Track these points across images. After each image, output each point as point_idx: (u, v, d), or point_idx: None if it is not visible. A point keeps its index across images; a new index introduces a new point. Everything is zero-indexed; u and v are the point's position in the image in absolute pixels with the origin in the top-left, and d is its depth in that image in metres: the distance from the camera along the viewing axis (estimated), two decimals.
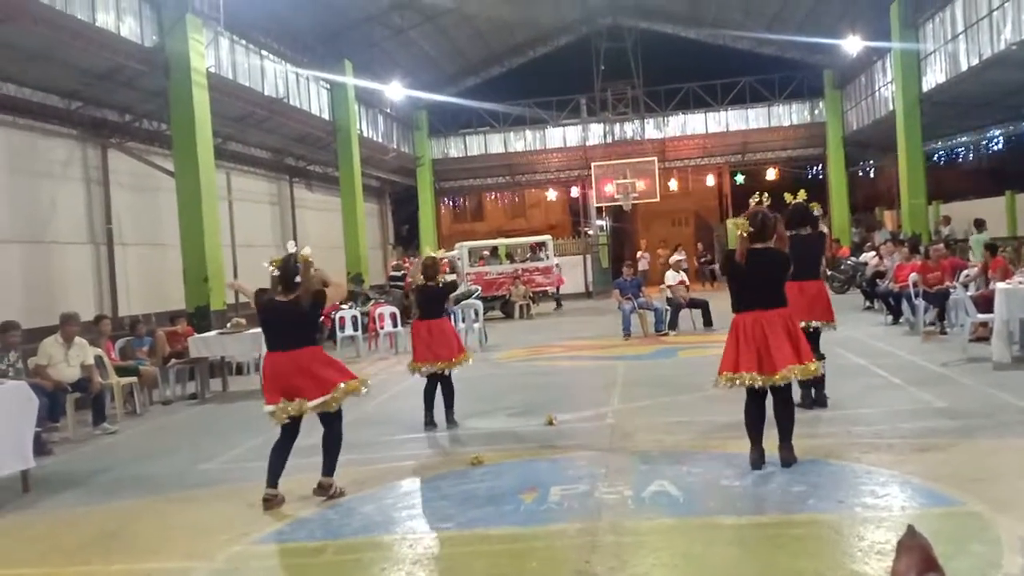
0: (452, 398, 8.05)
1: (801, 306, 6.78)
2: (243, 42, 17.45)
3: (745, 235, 5.62)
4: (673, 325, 14.63)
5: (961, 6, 18.16)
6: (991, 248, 11.96)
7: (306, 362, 5.60)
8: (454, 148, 30.87)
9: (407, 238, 31.24)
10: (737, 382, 5.53)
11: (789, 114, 29.50)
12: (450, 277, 8.76)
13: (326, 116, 21.63)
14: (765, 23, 25.81)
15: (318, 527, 5.15)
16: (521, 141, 30.61)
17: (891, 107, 22.46)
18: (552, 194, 32.60)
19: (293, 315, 5.65)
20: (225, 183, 18.51)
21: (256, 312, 5.99)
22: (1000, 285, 9.32)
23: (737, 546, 4.41)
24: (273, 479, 5.61)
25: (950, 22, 18.85)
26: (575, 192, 31.43)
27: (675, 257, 17.45)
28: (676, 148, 30.01)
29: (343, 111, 21.88)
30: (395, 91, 24.37)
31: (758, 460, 5.55)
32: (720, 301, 15.89)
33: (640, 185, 27.47)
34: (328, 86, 21.69)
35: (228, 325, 11.96)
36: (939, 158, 26.39)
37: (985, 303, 9.96)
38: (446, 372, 7.97)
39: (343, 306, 16.61)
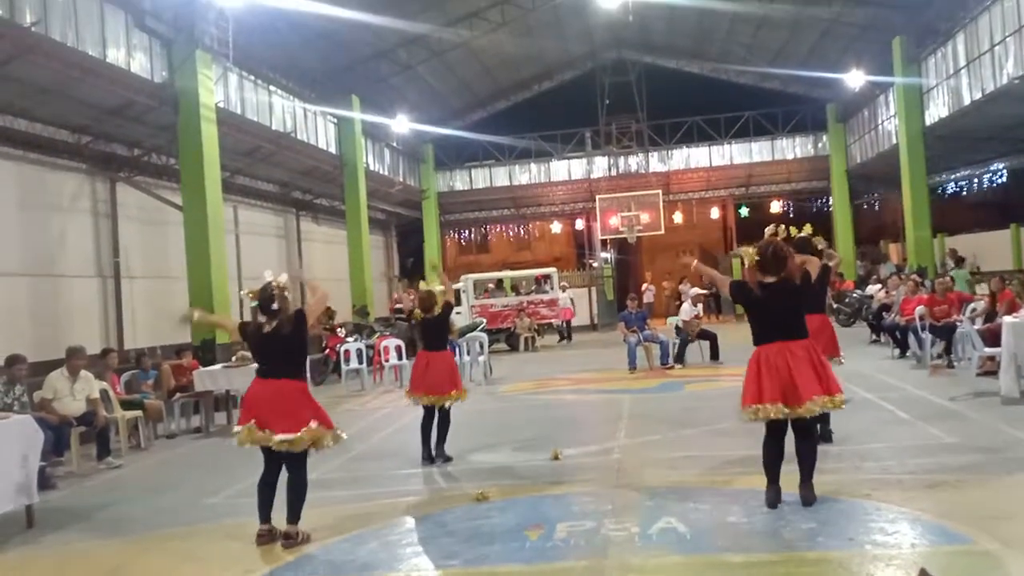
0: (445, 432, 7.91)
1: None
2: (252, 77, 17.67)
3: (753, 265, 5.51)
4: (680, 358, 14.58)
5: (963, 41, 18.32)
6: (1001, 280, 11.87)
7: (287, 395, 5.58)
8: (459, 181, 31.07)
9: (412, 270, 31.32)
10: (761, 414, 5.33)
11: (793, 147, 29.66)
12: (439, 286, 8.32)
13: (333, 150, 21.83)
14: (768, 58, 26.06)
15: (321, 564, 5.10)
16: (526, 174, 30.82)
17: (894, 141, 22.59)
18: (557, 227, 32.72)
19: (277, 343, 5.67)
20: (232, 216, 18.63)
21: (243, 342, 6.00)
22: (1007, 319, 9.26)
23: None
24: (264, 515, 5.57)
25: (952, 57, 19.01)
26: (580, 225, 31.59)
27: (695, 291, 17.35)
28: (680, 181, 30.17)
29: (350, 145, 22.07)
30: (401, 125, 24.62)
31: (774, 499, 5.40)
32: (725, 334, 15.96)
33: (644, 218, 27.59)
34: (335, 120, 21.91)
35: (233, 359, 11.94)
36: (943, 191, 26.44)
37: (992, 337, 9.93)
38: (443, 405, 7.87)
39: (348, 339, 16.61)
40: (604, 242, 29.82)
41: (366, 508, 6.25)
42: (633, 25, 24.91)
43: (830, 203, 29.34)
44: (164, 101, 14.15)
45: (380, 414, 11.56)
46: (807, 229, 7.44)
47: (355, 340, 16.39)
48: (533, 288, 23.79)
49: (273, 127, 18.47)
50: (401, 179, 27.62)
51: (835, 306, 20.19)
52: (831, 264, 7.48)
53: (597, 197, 28.49)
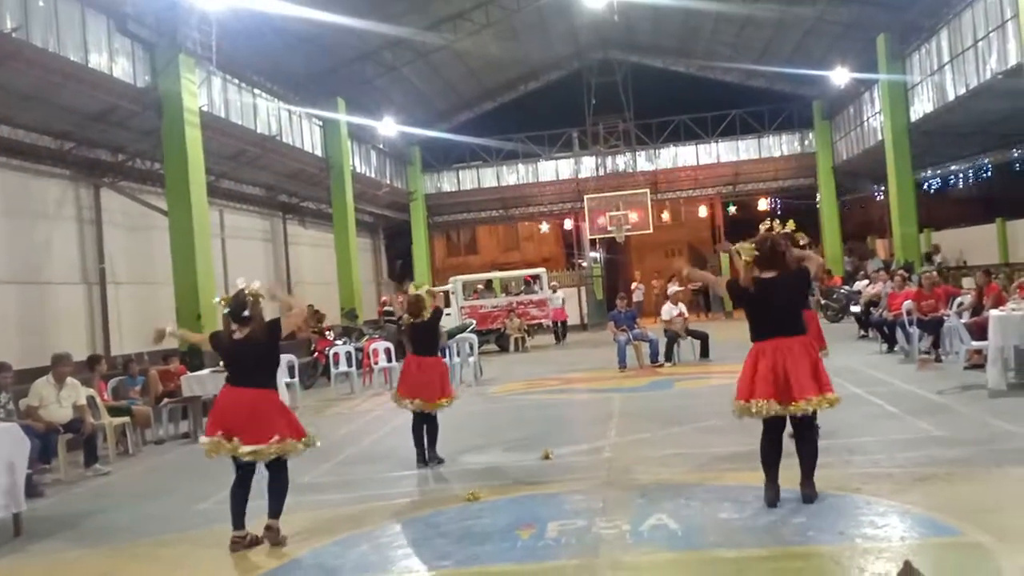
0: (435, 435, 7.89)
1: None
2: (236, 81, 17.59)
3: (750, 260, 5.46)
4: (668, 356, 14.60)
5: (947, 37, 18.42)
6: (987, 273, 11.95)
7: (256, 404, 5.52)
8: (447, 182, 31.04)
9: (401, 273, 31.27)
10: (752, 410, 5.30)
11: (779, 145, 29.77)
12: (426, 289, 8.33)
13: (319, 153, 21.75)
14: (754, 56, 26.14)
15: (312, 568, 5.08)
16: (514, 175, 30.81)
17: (880, 137, 22.70)
18: (545, 227, 32.71)
19: (250, 352, 5.62)
20: (218, 220, 18.55)
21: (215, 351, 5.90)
22: (994, 312, 9.32)
23: None
24: (238, 521, 5.54)
25: (936, 53, 19.12)
26: (568, 224, 31.60)
27: (672, 288, 17.39)
28: (668, 180, 30.23)
29: (336, 148, 22.00)
30: (388, 127, 24.57)
31: (773, 498, 5.33)
32: (715, 332, 15.98)
33: (633, 217, 27.61)
34: (321, 123, 21.84)
35: (220, 364, 11.87)
36: (929, 187, 26.59)
37: (979, 330, 9.97)
38: (431, 412, 7.84)
39: (337, 342, 16.54)
40: (593, 242, 29.84)
41: (357, 511, 6.22)
42: (618, 25, 24.97)
43: (817, 199, 29.46)
44: (147, 106, 14.08)
45: (370, 417, 11.53)
46: (790, 225, 7.44)
47: (344, 343, 16.33)
48: (522, 289, 23.77)
49: (258, 130, 18.39)
50: (388, 181, 27.57)
51: (823, 302, 20.28)
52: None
53: (585, 197, 28.50)
